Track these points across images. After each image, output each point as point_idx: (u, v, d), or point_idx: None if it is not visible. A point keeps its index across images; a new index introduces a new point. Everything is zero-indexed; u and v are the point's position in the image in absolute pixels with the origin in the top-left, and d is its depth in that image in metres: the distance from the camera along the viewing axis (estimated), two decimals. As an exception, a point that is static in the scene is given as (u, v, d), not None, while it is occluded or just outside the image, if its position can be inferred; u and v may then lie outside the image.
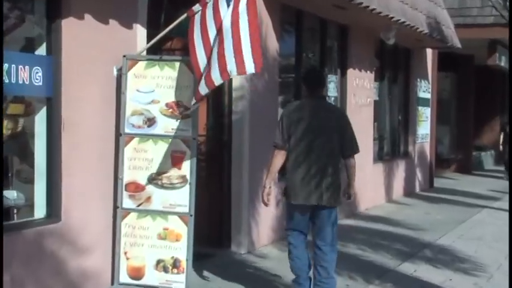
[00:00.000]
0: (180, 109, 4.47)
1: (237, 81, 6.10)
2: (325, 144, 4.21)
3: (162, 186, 4.50)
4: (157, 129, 4.52)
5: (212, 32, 4.03)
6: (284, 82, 7.29)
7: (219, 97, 6.12)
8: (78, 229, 4.36)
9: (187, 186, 4.48)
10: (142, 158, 4.53)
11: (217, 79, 3.92)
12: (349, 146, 4.33)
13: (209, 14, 4.09)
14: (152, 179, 4.52)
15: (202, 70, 4.03)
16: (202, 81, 4.00)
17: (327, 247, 4.26)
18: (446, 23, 10.70)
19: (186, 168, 4.49)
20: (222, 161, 6.17)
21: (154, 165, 4.51)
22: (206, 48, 4.02)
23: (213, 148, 6.21)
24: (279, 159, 4.27)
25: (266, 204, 4.27)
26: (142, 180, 4.54)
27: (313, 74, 4.54)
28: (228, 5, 3.97)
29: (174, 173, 4.49)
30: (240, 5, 3.91)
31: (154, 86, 4.56)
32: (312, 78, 4.42)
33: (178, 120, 4.48)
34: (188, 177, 4.49)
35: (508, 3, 11.62)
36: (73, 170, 4.32)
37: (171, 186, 4.49)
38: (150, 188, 4.53)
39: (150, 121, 4.53)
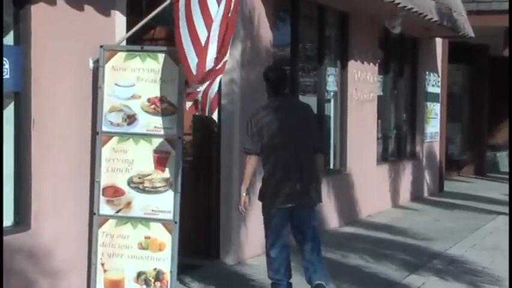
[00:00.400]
0: (164, 105, 4.50)
1: (225, 74, 6.14)
2: (300, 143, 4.54)
3: (144, 191, 4.53)
4: (138, 128, 4.55)
5: (199, 23, 4.07)
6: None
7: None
8: (49, 238, 4.38)
9: (172, 190, 4.52)
10: (121, 159, 4.56)
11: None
12: (319, 142, 4.75)
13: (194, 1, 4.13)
14: (133, 183, 4.55)
15: (192, 66, 4.07)
16: (194, 62, 4.07)
17: (314, 253, 4.62)
18: (458, 9, 10.79)
19: (171, 170, 4.52)
20: (210, 163, 6.21)
21: (135, 167, 4.55)
22: (194, 40, 4.07)
23: (200, 148, 6.25)
24: (252, 164, 4.61)
25: (242, 213, 4.65)
26: (122, 184, 4.57)
27: (276, 72, 4.72)
28: None
29: (157, 175, 4.52)
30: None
31: (135, 80, 4.59)
32: (276, 77, 4.63)
33: (162, 118, 4.52)
34: (172, 180, 4.52)
35: None
36: (44, 173, 4.34)
37: (154, 191, 4.52)
38: (131, 193, 4.56)
39: (130, 118, 4.56)
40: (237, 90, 6.26)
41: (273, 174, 4.53)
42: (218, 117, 6.21)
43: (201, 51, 4.05)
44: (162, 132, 4.52)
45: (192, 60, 4.08)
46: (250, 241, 6.42)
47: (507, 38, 13.04)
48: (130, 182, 4.56)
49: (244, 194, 4.56)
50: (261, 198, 4.69)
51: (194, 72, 4.08)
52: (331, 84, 8.54)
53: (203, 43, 4.05)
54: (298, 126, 4.54)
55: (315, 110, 8.21)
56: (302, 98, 7.81)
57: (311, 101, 8.26)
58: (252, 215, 6.43)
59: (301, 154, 4.52)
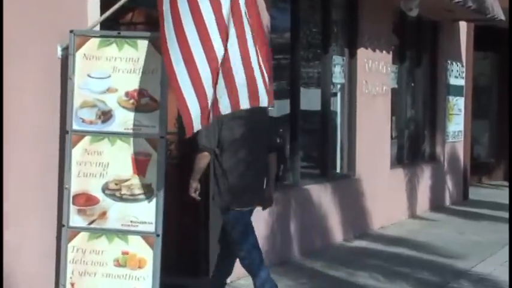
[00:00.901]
0: (144, 100, 4.52)
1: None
2: (260, 142, 5.22)
3: (121, 199, 4.55)
4: (114, 126, 4.57)
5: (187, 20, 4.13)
6: (277, 65, 7.37)
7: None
8: (10, 253, 4.39)
9: (154, 198, 4.53)
10: (95, 163, 4.58)
11: (226, 108, 4.40)
12: (273, 142, 5.51)
13: None
14: (108, 189, 4.57)
15: (194, 115, 4.17)
16: (196, 106, 4.17)
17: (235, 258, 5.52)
18: (485, -12, 10.83)
19: (152, 175, 4.54)
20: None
21: (111, 171, 4.56)
22: (181, 44, 4.12)
23: (187, 149, 6.26)
24: (205, 161, 5.25)
25: (195, 199, 5.24)
26: (96, 191, 4.59)
27: None
28: None
29: (136, 181, 4.54)
30: None
31: (110, 70, 4.60)
32: None
33: (142, 114, 4.53)
34: (154, 186, 4.54)
35: None
36: (5, 178, 4.36)
37: (133, 199, 4.54)
38: (106, 201, 4.58)
39: (106, 115, 4.58)
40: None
41: (235, 173, 5.13)
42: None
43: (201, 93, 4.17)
44: (142, 130, 4.54)
45: (193, 104, 4.17)
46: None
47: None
48: (105, 189, 4.58)
49: (195, 184, 5.21)
50: (219, 198, 5.27)
51: (195, 125, 4.21)
52: (338, 75, 8.59)
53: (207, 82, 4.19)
54: (258, 125, 5.19)
55: (318, 105, 8.30)
56: (304, 92, 7.87)
57: (314, 94, 8.32)
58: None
59: (258, 154, 5.19)
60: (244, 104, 4.49)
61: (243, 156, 5.15)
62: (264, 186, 5.32)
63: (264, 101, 4.60)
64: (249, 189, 5.17)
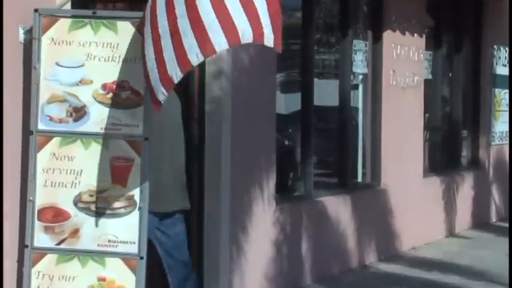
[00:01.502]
0: (125, 93, 4.54)
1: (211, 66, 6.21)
2: (178, 137, 5.20)
3: (97, 213, 4.56)
4: (88, 125, 4.58)
5: None
6: (286, 52, 7.39)
7: (184, 82, 6.19)
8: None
9: (136, 212, 4.55)
10: (65, 170, 4.59)
11: (197, 57, 4.08)
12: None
13: None
14: (81, 202, 4.58)
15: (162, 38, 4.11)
16: (172, 58, 4.11)
17: (189, 267, 5.24)
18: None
19: (135, 184, 4.55)
20: (189, 175, 6.23)
21: (85, 180, 4.57)
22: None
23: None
24: None
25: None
26: (66, 204, 4.60)
27: None
28: None
29: (115, 192, 4.55)
30: None
31: (84, 58, 4.61)
32: None
33: (122, 111, 4.54)
34: (138, 198, 4.55)
35: None
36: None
37: (111, 213, 4.55)
38: (78, 216, 4.58)
39: (78, 112, 4.59)
40: (227, 71, 6.30)
41: (157, 174, 4.95)
42: (200, 109, 6.27)
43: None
44: (122, 131, 4.55)
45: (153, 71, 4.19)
46: (247, 280, 6.50)
47: None
48: (77, 202, 4.59)
49: None
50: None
51: (175, 79, 4.15)
52: (360, 63, 8.60)
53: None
54: (174, 117, 5.22)
55: (336, 100, 8.31)
56: (318, 84, 7.88)
57: (331, 87, 8.33)
58: (248, 246, 6.48)
59: (179, 153, 5.23)
60: (221, 44, 4.10)
61: (158, 154, 4.94)
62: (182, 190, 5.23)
63: (269, 39, 4.16)
64: (157, 191, 4.91)
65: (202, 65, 6.22)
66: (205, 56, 4.13)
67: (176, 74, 4.14)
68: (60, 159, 4.61)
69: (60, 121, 4.62)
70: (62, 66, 4.63)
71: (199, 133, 6.26)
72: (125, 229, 4.57)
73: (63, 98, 4.62)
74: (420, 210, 9.35)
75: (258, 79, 6.71)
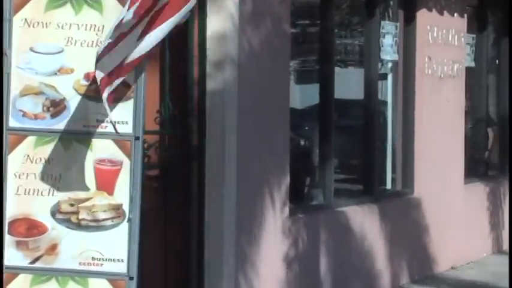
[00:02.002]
0: (112, 84, 4.53)
1: (212, 40, 6.18)
2: None
3: (79, 226, 4.54)
4: (69, 122, 4.54)
5: None
6: (302, 35, 7.41)
7: (181, 60, 6.24)
8: None
9: (125, 224, 4.54)
10: (41, 174, 4.58)
11: None
12: None
13: None
14: (60, 213, 4.56)
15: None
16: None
17: None
18: None
19: (123, 191, 4.52)
20: (188, 179, 6.28)
21: (65, 186, 4.56)
22: None
23: (173, 155, 6.30)
24: None
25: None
26: (42, 215, 4.57)
27: None
28: None
29: (100, 200, 4.53)
30: None
31: (63, 43, 4.59)
32: None
33: (109, 106, 4.54)
34: (126, 208, 4.53)
35: None
36: None
37: (96, 226, 4.53)
38: (57, 229, 4.55)
39: (57, 106, 4.57)
40: (233, 58, 6.30)
41: None
42: (201, 103, 6.28)
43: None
44: (109, 129, 4.52)
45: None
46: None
47: None
48: (55, 212, 4.56)
49: None
50: None
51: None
52: (389, 49, 8.58)
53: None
54: None
55: (360, 93, 8.29)
56: (340, 73, 7.87)
57: (355, 77, 8.33)
58: (256, 264, 6.47)
59: None
60: None
61: None
62: None
63: None
64: None
65: (202, 50, 6.23)
66: None
67: None
68: (35, 162, 4.59)
69: (35, 117, 4.60)
70: (38, 52, 4.60)
71: (200, 130, 6.26)
72: (112, 245, 4.55)
73: (38, 89, 4.59)
74: (461, 222, 9.33)
75: (269, 67, 6.69)
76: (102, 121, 4.55)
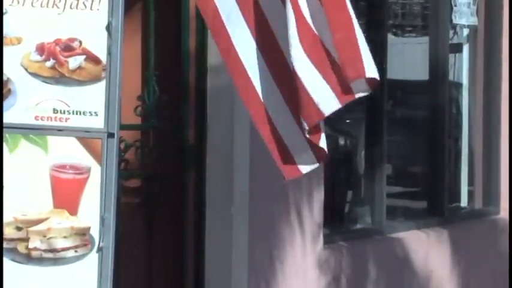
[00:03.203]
0: (77, 59, 4.58)
1: None
2: None
3: (29, 258, 4.60)
4: (15, 112, 4.59)
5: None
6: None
7: (172, 34, 6.33)
8: None
9: (93, 256, 4.58)
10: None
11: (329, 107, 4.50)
12: None
13: None
14: (4, 240, 4.63)
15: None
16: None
17: None
18: None
19: (91, 210, 4.58)
20: (181, 193, 6.35)
21: (10, 203, 4.60)
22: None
23: (161, 159, 6.36)
24: None
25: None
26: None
27: None
28: None
29: (59, 222, 4.58)
30: None
31: (7, 2, 4.61)
32: None
33: (72, 89, 4.58)
34: (96, 233, 4.58)
35: None
36: None
37: (53, 258, 4.58)
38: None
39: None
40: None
41: None
42: (201, 87, 6.33)
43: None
44: (72, 122, 4.60)
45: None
46: None
47: None
48: (-3, 239, 4.65)
49: None
50: None
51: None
52: (464, 9, 8.61)
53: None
54: None
55: (425, 70, 8.29)
56: (395, 45, 7.92)
57: (416, 48, 8.36)
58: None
59: None
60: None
61: None
62: None
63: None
64: None
65: (202, 34, 6.29)
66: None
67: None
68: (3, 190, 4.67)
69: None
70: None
71: (197, 125, 6.34)
72: (76, 284, 4.64)
73: (-26, 69, 4.69)
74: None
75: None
76: (63, 111, 4.62)
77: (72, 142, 4.70)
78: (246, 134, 6.34)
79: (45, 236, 4.65)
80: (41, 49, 4.70)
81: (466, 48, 8.87)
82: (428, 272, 7.94)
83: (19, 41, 4.71)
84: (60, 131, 4.71)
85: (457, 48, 8.78)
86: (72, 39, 4.69)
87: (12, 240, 4.66)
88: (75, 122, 4.68)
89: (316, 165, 4.58)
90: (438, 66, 8.37)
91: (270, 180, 6.51)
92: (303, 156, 4.59)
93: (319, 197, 6.94)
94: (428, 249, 7.95)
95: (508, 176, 8.76)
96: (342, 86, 4.55)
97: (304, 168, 4.56)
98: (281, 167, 4.54)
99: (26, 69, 4.70)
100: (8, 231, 4.67)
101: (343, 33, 4.64)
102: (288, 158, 4.55)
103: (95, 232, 4.66)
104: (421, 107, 8.42)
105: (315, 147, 4.55)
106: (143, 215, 6.17)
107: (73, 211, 4.67)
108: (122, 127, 4.93)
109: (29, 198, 4.73)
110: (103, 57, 4.66)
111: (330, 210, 7.14)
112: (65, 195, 4.69)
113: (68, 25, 4.72)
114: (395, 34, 8.03)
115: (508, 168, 8.78)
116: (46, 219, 4.66)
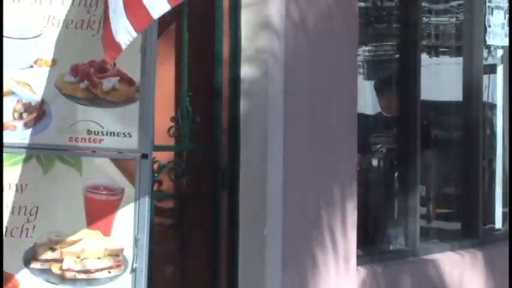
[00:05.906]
0: (111, 82, 4.57)
1: (250, 17, 6.21)
2: None
3: (63, 279, 4.60)
4: (50, 133, 4.63)
5: None
6: (373, 11, 7.46)
7: (206, 55, 6.32)
8: None
9: (127, 277, 4.58)
10: (11, 206, 4.64)
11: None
12: None
13: None
14: (36, 261, 4.64)
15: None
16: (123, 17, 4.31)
17: None
18: None
19: (124, 231, 4.61)
20: (215, 214, 6.32)
21: (43, 223, 4.62)
22: None
23: (194, 181, 6.37)
24: None
25: None
26: (11, 264, 4.61)
27: None
28: None
29: (92, 243, 4.59)
30: None
31: (42, 23, 4.71)
32: None
33: (105, 111, 4.58)
34: (129, 254, 4.60)
35: None
36: None
37: (86, 279, 4.58)
38: (32, 284, 4.63)
39: (33, 112, 4.66)
40: (275, 52, 6.35)
41: None
42: (233, 110, 6.33)
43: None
44: (105, 143, 4.62)
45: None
46: None
47: None
48: (30, 260, 4.62)
49: None
50: None
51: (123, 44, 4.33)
52: (499, 30, 8.62)
53: None
54: None
55: (458, 90, 8.28)
56: (429, 65, 7.88)
57: (450, 69, 8.33)
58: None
59: None
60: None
61: None
62: None
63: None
64: None
65: (235, 34, 6.28)
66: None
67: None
68: (3, 188, 4.69)
69: (5, 128, 4.69)
70: (7, 37, 4.68)
71: (231, 147, 6.35)
72: (109, 305, 4.63)
73: (8, 89, 4.67)
74: None
75: (329, 56, 6.72)
76: (96, 132, 4.62)
77: (105, 163, 4.69)
78: (279, 154, 6.33)
79: (78, 257, 4.64)
80: (75, 71, 4.71)
81: (500, 69, 8.82)
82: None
83: (54, 62, 4.70)
84: (94, 152, 4.70)
85: (491, 69, 8.75)
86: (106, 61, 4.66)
87: (46, 261, 4.66)
88: (108, 143, 4.67)
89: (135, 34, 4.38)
90: (472, 87, 8.34)
91: (303, 201, 6.50)
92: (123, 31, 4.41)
93: (352, 218, 6.90)
94: (463, 271, 7.91)
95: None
96: None
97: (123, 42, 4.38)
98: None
99: (60, 91, 4.70)
100: (42, 252, 4.66)
101: None
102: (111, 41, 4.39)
103: (128, 253, 4.67)
104: (454, 128, 8.39)
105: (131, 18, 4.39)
106: (176, 236, 6.17)
107: (106, 232, 4.67)
108: (156, 148, 4.95)
109: (63, 219, 4.72)
110: (137, 78, 4.66)
111: (363, 231, 7.10)
112: (99, 216, 4.68)
113: (102, 47, 4.67)
114: (429, 54, 7.99)
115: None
116: (80, 240, 4.66)
